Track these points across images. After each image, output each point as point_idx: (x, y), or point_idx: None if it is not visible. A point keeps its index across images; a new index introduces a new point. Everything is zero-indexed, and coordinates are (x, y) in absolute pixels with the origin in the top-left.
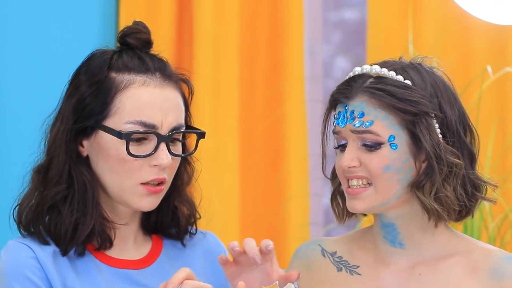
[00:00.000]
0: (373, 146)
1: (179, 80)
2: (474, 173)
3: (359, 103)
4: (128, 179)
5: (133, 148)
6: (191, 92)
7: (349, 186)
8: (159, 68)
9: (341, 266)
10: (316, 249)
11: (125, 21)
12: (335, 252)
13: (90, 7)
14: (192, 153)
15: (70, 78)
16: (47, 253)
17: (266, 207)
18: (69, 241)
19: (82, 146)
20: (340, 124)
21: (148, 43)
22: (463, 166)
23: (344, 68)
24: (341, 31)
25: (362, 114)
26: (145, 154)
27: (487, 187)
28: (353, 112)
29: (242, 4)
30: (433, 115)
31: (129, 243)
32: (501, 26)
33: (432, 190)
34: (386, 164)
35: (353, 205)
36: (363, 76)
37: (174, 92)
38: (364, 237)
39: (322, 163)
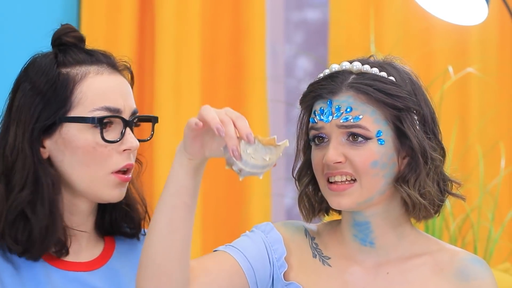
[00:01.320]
0: (360, 141)
1: (124, 69)
2: (444, 170)
3: (346, 98)
4: (100, 168)
5: (104, 134)
6: (132, 79)
7: (331, 183)
8: (106, 59)
9: (316, 253)
10: (301, 227)
11: (86, 22)
12: (314, 238)
13: (51, 6)
14: (150, 138)
15: (14, 83)
16: (6, 267)
17: (227, 206)
18: (38, 247)
19: (43, 147)
20: (325, 119)
21: (83, 40)
22: (442, 162)
23: (306, 68)
24: (303, 31)
25: (350, 109)
26: (115, 139)
27: (452, 184)
28: (340, 108)
29: (204, 4)
30: (415, 111)
31: (82, 245)
32: (463, 26)
33: (416, 185)
34: (374, 160)
35: (338, 202)
36: (344, 72)
37: (123, 79)
38: (334, 232)
39: (295, 162)
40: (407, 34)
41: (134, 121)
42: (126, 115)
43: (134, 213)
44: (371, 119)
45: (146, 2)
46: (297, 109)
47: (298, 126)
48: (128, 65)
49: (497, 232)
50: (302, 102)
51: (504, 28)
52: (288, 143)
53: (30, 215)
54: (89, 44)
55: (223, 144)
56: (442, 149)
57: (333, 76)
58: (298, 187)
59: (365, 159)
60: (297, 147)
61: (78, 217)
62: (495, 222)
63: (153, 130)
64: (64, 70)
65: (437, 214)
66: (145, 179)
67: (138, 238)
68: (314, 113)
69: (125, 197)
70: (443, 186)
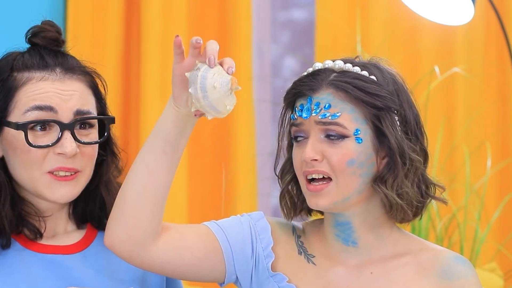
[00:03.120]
0: (338, 139)
1: (85, 73)
2: (426, 174)
3: (325, 96)
4: (35, 169)
5: (35, 138)
6: (103, 83)
7: (309, 183)
8: (60, 63)
9: (301, 250)
10: (289, 225)
11: (72, 21)
12: (300, 236)
13: (37, 7)
14: (102, 140)
15: None
16: None
17: (214, 206)
18: None
19: None
20: (304, 115)
21: (55, 41)
22: (422, 163)
23: (292, 68)
24: (290, 31)
25: (329, 106)
26: (47, 143)
27: (435, 188)
28: (319, 104)
29: (189, 3)
30: (395, 111)
31: (59, 232)
32: (449, 26)
33: (394, 185)
34: (351, 158)
35: (315, 202)
36: (326, 71)
37: (77, 84)
38: (318, 230)
39: (276, 159)
40: (393, 34)
41: (78, 123)
42: (65, 117)
43: (108, 207)
44: (350, 117)
45: (132, 1)
46: (281, 108)
47: (279, 123)
48: (88, 70)
49: (483, 231)
50: (284, 99)
51: (490, 28)
52: (237, 87)
53: None
54: (76, 44)
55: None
56: (425, 152)
57: (315, 74)
58: (280, 185)
59: (342, 157)
60: (278, 144)
61: (47, 209)
62: (482, 222)
63: (108, 131)
64: (14, 74)
65: (417, 217)
66: None
67: None
68: (295, 109)
69: (98, 191)
70: (425, 189)
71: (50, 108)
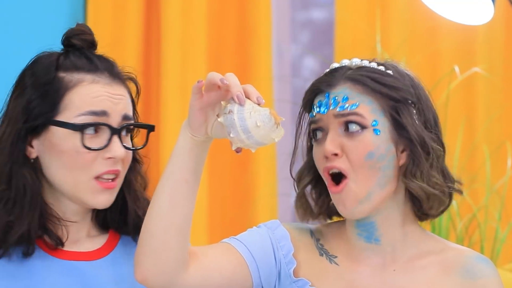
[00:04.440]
0: (356, 131)
1: (126, 79)
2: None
3: (342, 90)
4: (82, 173)
5: (88, 141)
6: (138, 90)
7: (333, 184)
8: (107, 68)
9: (322, 252)
10: (307, 228)
11: (92, 21)
12: (319, 239)
13: (58, 7)
14: (143, 146)
15: (16, 80)
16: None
17: (234, 207)
18: (1, 242)
19: (32, 147)
20: (322, 110)
21: (93, 44)
22: (443, 152)
23: (312, 68)
24: (309, 31)
25: (347, 99)
26: (99, 147)
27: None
28: (336, 98)
29: (209, 3)
30: (413, 104)
31: (82, 237)
32: (469, 26)
33: (423, 177)
34: (369, 151)
35: (343, 205)
36: (343, 68)
37: (123, 90)
38: (339, 230)
39: (292, 159)
40: (413, 34)
41: (125, 128)
42: (115, 121)
43: (129, 214)
44: (368, 108)
45: (152, 1)
46: (299, 108)
47: (297, 123)
48: (132, 76)
49: (504, 231)
50: (303, 99)
51: (510, 27)
52: (283, 132)
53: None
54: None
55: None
56: (443, 146)
57: (332, 71)
58: (297, 187)
59: (361, 150)
60: (295, 143)
61: (73, 214)
62: (502, 222)
63: (147, 138)
64: (61, 74)
65: (444, 212)
66: (151, 179)
67: (134, 239)
68: (313, 107)
69: (121, 197)
70: (448, 176)
71: (104, 113)
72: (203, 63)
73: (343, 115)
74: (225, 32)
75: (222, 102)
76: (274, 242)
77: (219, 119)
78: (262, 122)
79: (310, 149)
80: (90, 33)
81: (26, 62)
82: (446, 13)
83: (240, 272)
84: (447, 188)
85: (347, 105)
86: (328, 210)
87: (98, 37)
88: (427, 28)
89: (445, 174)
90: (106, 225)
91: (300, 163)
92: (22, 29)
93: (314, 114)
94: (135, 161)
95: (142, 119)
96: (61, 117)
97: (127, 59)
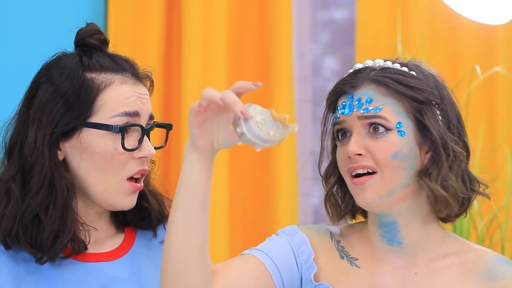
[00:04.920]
0: (381, 132)
1: (145, 78)
2: (469, 169)
3: (366, 91)
4: (115, 174)
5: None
6: (152, 86)
7: (353, 177)
8: (130, 68)
9: (343, 254)
10: (326, 231)
11: (113, 22)
12: (339, 241)
13: (79, 7)
14: (164, 145)
15: (34, 80)
16: (6, 255)
17: (254, 206)
18: (48, 250)
19: (60, 149)
20: (346, 112)
21: (107, 43)
22: (465, 156)
23: (332, 68)
24: (330, 30)
25: (370, 101)
26: (133, 147)
27: (479, 184)
28: (360, 100)
29: (230, 3)
30: (437, 105)
31: (101, 238)
32: (490, 25)
33: (438, 178)
34: (394, 151)
35: (362, 196)
36: (367, 69)
37: (146, 90)
38: (361, 232)
39: (320, 159)
40: (434, 34)
41: (151, 128)
42: (144, 121)
43: (147, 212)
44: (391, 110)
45: (172, 2)
46: (323, 109)
47: (322, 124)
48: (150, 74)
49: None
50: (326, 100)
51: None
52: (297, 128)
53: (43, 218)
54: (117, 45)
55: (231, 120)
56: (466, 147)
57: (356, 72)
58: (325, 187)
59: (386, 150)
60: (322, 144)
61: (93, 216)
62: None
63: (167, 137)
64: (89, 75)
65: (464, 214)
66: (173, 179)
67: (155, 234)
68: (337, 108)
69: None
70: (469, 184)
71: (136, 113)
72: (224, 63)
73: (366, 117)
74: (245, 32)
75: (231, 126)
76: (294, 248)
77: (238, 143)
78: (272, 129)
79: (334, 149)
80: (103, 32)
81: (43, 62)
82: (467, 12)
83: (264, 283)
84: (462, 193)
85: (370, 107)
86: (352, 210)
87: (119, 37)
88: (447, 27)
89: (465, 179)
90: (121, 222)
91: (326, 162)
92: (43, 29)
93: (338, 116)
94: (151, 163)
95: (162, 119)
96: (94, 119)
97: (148, 59)
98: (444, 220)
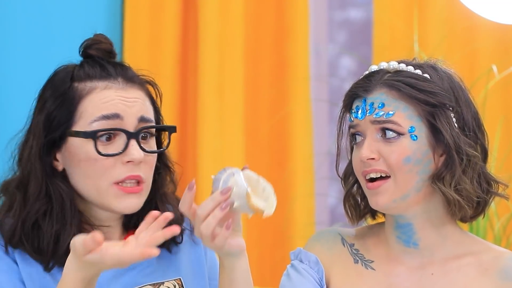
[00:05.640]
0: (393, 137)
1: (144, 83)
2: (487, 170)
3: (379, 95)
4: (102, 179)
5: (102, 147)
6: (159, 93)
7: (368, 181)
8: (121, 73)
9: (357, 258)
10: (337, 237)
11: (130, 22)
12: (353, 244)
13: (95, 7)
14: (165, 149)
15: (38, 93)
16: (19, 258)
17: None
18: (52, 255)
19: (57, 160)
20: (359, 116)
21: (110, 53)
22: (480, 159)
23: (349, 68)
24: (347, 30)
25: (383, 105)
26: (115, 152)
27: (498, 185)
28: (373, 104)
29: (247, 3)
30: (451, 108)
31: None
32: (507, 25)
33: (452, 182)
34: (407, 156)
35: (375, 200)
36: (380, 72)
37: (139, 92)
38: (378, 234)
39: (336, 160)
40: (451, 33)
41: (142, 131)
42: (131, 125)
43: None
44: (404, 115)
45: (189, 2)
46: (340, 110)
47: (338, 126)
48: (150, 79)
49: None
50: (343, 101)
51: None
52: (270, 212)
53: (42, 224)
54: (133, 47)
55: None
56: (485, 149)
57: (370, 75)
58: (344, 187)
59: (398, 155)
60: (337, 145)
61: (102, 221)
62: None
63: (169, 139)
64: (75, 85)
65: (481, 215)
66: (189, 180)
67: (169, 247)
68: (351, 111)
69: (153, 204)
70: (486, 186)
71: (116, 116)
72: (241, 64)
73: (379, 122)
74: (262, 32)
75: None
76: (315, 276)
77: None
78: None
79: (352, 149)
80: (107, 42)
81: (62, 63)
82: (484, 12)
83: None
84: (477, 196)
85: (382, 112)
86: (372, 210)
87: (136, 39)
88: (464, 27)
89: (481, 181)
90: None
91: (343, 163)
92: (60, 32)
93: (352, 119)
94: (167, 168)
95: (179, 120)
96: (76, 127)
97: (164, 60)
98: (461, 220)
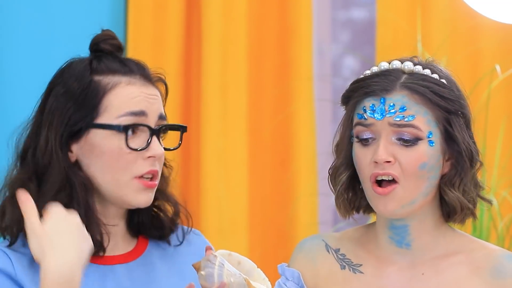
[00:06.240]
0: (411, 142)
1: (157, 81)
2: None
3: (400, 98)
4: (124, 173)
5: (129, 142)
6: (166, 90)
7: (377, 186)
8: (139, 70)
9: (344, 264)
10: (321, 244)
11: (133, 21)
12: (339, 249)
13: (99, 7)
14: (178, 147)
15: (48, 85)
16: (24, 260)
17: (274, 206)
18: None
19: (71, 151)
20: (377, 116)
21: (120, 48)
22: (482, 164)
23: (352, 68)
24: (350, 30)
25: (404, 108)
26: (140, 147)
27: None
28: (394, 106)
29: (250, 3)
30: (462, 114)
31: (118, 241)
32: (510, 25)
33: (460, 187)
34: (423, 162)
35: (384, 205)
36: (396, 71)
37: (156, 91)
38: (367, 235)
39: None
40: (454, 33)
41: (162, 129)
42: (152, 121)
43: (163, 215)
44: (424, 120)
45: (192, 1)
46: (343, 107)
47: (342, 121)
48: (163, 77)
49: None
50: (350, 97)
51: None
52: None
53: None
54: (137, 46)
55: None
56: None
57: (385, 74)
58: (332, 185)
59: (415, 160)
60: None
61: (110, 218)
62: None
63: (181, 139)
64: (96, 78)
65: (470, 217)
66: (192, 179)
67: (168, 240)
68: (364, 109)
69: (152, 203)
70: (475, 189)
71: (142, 113)
72: (244, 63)
73: (399, 125)
74: (265, 31)
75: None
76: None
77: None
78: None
79: (346, 144)
80: (117, 38)
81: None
82: (487, 11)
83: None
84: (472, 198)
85: (404, 115)
86: (366, 204)
87: (139, 38)
88: (468, 27)
89: (476, 184)
90: (136, 229)
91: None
92: (63, 30)
93: (365, 117)
94: (164, 165)
95: (182, 120)
96: (101, 120)
97: (167, 59)
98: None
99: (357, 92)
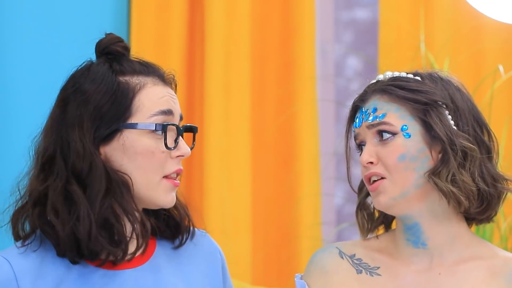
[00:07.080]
0: (388, 138)
1: (172, 82)
2: (493, 167)
3: (372, 102)
4: (155, 173)
5: (157, 142)
6: (175, 89)
7: (370, 184)
8: (158, 71)
9: (361, 268)
10: (333, 252)
11: (136, 22)
12: (354, 255)
13: (102, 8)
14: (192, 147)
15: (65, 88)
16: (31, 263)
17: (277, 206)
18: (125, 245)
19: (100, 154)
20: (357, 124)
21: (128, 50)
22: (478, 151)
23: (355, 68)
24: (353, 30)
25: (375, 110)
26: (173, 146)
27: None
28: (367, 110)
29: (253, 3)
30: (444, 105)
31: (132, 242)
32: None
33: (448, 175)
34: (401, 153)
35: (377, 200)
36: (377, 83)
37: (174, 92)
38: (381, 242)
39: (348, 173)
40: (457, 33)
41: (185, 128)
42: (177, 120)
43: (171, 218)
44: (395, 115)
45: (195, 2)
46: (346, 109)
47: (345, 136)
48: (174, 77)
49: None
50: (349, 115)
51: None
52: None
53: (113, 220)
54: (140, 46)
55: None
56: (485, 145)
57: (367, 87)
58: (357, 199)
59: (392, 153)
60: (347, 158)
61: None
62: None
63: (194, 139)
64: (122, 79)
65: (489, 213)
66: (195, 179)
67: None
68: (354, 123)
69: None
70: (491, 181)
71: (170, 112)
72: (247, 63)
73: (373, 125)
74: (268, 32)
75: None
76: None
77: None
78: None
79: None
80: (124, 40)
81: (72, 63)
82: (490, 12)
83: None
84: (477, 189)
85: (376, 115)
86: (385, 220)
87: (142, 38)
88: (471, 27)
89: (484, 176)
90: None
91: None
92: (66, 32)
93: (354, 130)
94: None
95: (185, 120)
96: (134, 120)
97: (170, 59)
98: (472, 220)
99: (350, 112)
